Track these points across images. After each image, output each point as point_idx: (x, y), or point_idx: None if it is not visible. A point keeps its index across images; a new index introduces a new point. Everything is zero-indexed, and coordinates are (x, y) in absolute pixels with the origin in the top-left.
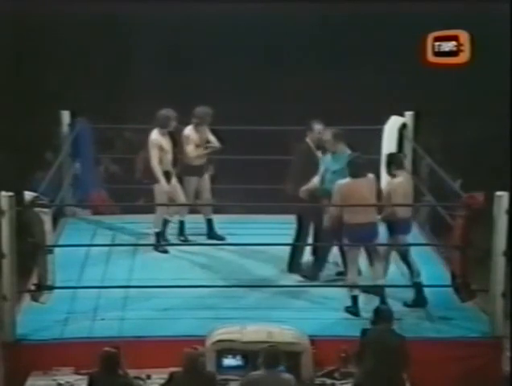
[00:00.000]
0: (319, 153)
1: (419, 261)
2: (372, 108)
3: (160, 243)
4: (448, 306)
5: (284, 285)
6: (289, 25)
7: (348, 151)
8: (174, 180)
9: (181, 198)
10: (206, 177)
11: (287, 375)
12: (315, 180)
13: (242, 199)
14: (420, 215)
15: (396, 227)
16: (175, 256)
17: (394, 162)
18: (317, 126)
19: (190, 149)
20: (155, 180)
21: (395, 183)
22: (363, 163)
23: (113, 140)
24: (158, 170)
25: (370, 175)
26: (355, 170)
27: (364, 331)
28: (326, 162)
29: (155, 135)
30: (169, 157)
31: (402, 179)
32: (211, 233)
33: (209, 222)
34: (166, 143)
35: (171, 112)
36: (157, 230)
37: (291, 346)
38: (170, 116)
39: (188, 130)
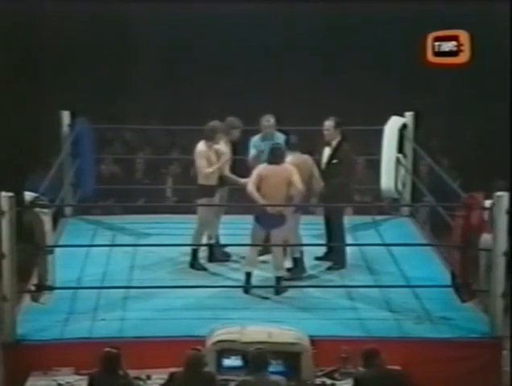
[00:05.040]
0: (326, 150)
1: (420, 261)
2: (372, 108)
3: (196, 261)
4: (448, 306)
5: (284, 286)
6: (289, 25)
7: (281, 136)
8: (217, 195)
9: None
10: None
11: (277, 377)
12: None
13: (238, 200)
14: (420, 215)
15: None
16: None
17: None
18: (328, 123)
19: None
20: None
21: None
22: (280, 152)
23: (113, 140)
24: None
25: (286, 165)
26: (271, 157)
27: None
28: (258, 145)
29: (202, 146)
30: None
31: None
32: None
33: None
34: (212, 156)
35: (217, 124)
36: (194, 247)
37: (292, 346)
38: (216, 128)
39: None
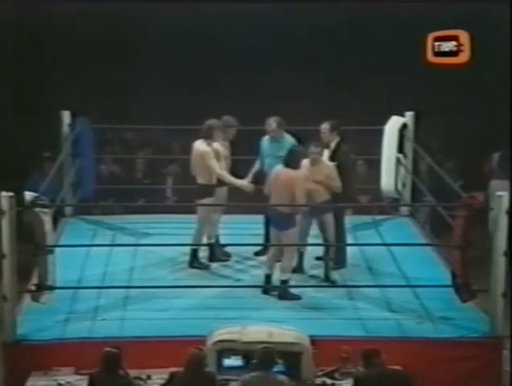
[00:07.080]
0: (325, 152)
1: (420, 261)
2: (372, 108)
3: (196, 260)
4: (448, 306)
5: (284, 286)
6: (289, 25)
7: (290, 138)
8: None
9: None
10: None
11: (282, 377)
12: (257, 164)
13: (235, 200)
14: (420, 215)
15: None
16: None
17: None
18: (324, 126)
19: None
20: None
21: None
22: (298, 156)
23: (113, 140)
24: (229, 177)
25: (292, 172)
26: (287, 159)
27: None
28: (266, 147)
29: (204, 146)
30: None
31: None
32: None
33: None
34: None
35: (214, 122)
36: (195, 247)
37: (292, 346)
38: (213, 126)
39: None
